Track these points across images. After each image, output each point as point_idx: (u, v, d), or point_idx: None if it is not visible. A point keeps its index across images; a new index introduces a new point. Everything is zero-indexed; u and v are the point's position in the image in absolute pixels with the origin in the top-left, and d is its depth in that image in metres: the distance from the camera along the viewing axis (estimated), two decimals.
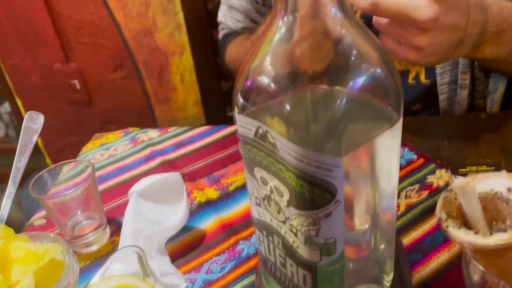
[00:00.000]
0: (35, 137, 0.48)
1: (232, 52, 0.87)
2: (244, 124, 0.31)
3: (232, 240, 0.49)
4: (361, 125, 0.28)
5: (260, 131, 0.29)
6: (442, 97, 0.69)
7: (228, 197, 0.56)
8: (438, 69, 0.67)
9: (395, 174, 0.33)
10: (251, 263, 0.47)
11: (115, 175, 0.63)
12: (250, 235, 0.50)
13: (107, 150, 0.69)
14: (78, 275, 0.38)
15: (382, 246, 0.38)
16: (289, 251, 0.32)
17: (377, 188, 0.33)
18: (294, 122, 0.28)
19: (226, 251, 0.49)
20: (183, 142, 0.68)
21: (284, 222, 0.31)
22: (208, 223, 0.52)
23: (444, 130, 0.64)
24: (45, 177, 0.49)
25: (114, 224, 0.54)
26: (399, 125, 0.29)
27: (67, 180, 0.52)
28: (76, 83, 1.34)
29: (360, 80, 0.28)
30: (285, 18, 0.27)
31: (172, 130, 0.72)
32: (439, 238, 0.46)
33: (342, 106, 0.28)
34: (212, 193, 0.57)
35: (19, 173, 0.46)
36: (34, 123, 0.48)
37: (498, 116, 0.65)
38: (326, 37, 0.27)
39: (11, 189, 0.45)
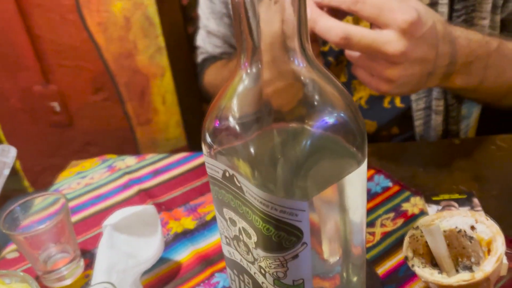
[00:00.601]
0: (6, 171, 0.47)
1: (210, 77, 0.87)
2: (212, 166, 0.31)
3: (208, 272, 0.49)
4: (327, 167, 0.29)
5: (227, 174, 0.29)
6: (418, 123, 0.70)
7: (204, 227, 0.56)
8: (413, 96, 0.68)
9: (362, 209, 0.33)
10: None
11: (91, 204, 0.63)
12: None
13: (84, 178, 0.68)
14: None
15: (355, 279, 0.38)
16: None
17: (346, 223, 0.33)
18: (259, 164, 0.28)
19: (201, 284, 0.48)
20: (161, 169, 0.68)
21: (253, 262, 0.31)
22: (184, 255, 0.52)
23: (420, 157, 0.64)
24: (17, 211, 0.49)
25: (89, 257, 0.54)
26: (363, 167, 0.30)
27: (39, 212, 0.51)
28: (56, 105, 1.33)
29: (325, 123, 0.28)
30: (249, 70, 0.28)
31: (150, 157, 0.71)
32: None
33: (307, 149, 0.28)
34: (188, 223, 0.57)
35: None
36: (6, 156, 0.47)
37: (472, 141, 0.66)
38: (290, 83, 0.28)
39: None
